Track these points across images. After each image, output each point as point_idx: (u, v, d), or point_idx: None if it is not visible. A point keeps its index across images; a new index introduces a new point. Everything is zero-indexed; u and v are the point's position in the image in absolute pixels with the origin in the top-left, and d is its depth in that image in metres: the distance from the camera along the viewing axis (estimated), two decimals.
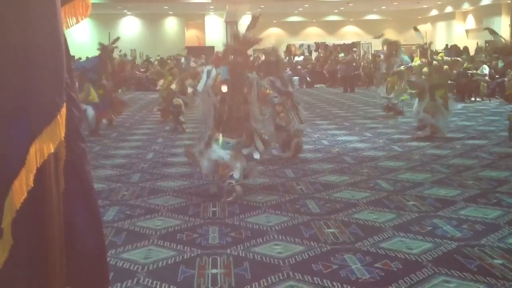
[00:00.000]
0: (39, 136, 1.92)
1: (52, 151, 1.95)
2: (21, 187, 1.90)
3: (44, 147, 1.91)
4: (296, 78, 24.09)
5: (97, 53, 10.44)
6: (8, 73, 1.90)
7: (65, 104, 1.98)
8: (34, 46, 1.90)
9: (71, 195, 2.10)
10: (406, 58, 13.39)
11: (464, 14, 28.97)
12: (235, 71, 5.56)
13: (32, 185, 1.92)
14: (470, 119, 11.64)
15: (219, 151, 5.48)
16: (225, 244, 4.22)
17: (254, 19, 5.70)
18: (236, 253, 4.01)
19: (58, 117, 1.94)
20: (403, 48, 14.00)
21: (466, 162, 7.14)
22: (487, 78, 16.38)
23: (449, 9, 28.71)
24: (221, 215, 5.01)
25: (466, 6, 27.49)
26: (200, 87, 5.61)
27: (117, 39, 11.00)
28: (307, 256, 3.92)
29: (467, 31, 29.29)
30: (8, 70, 1.90)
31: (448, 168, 6.81)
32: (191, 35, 30.85)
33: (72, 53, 2.60)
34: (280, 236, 4.36)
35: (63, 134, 1.96)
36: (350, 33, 33.44)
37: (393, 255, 3.91)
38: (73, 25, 2.17)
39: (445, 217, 4.78)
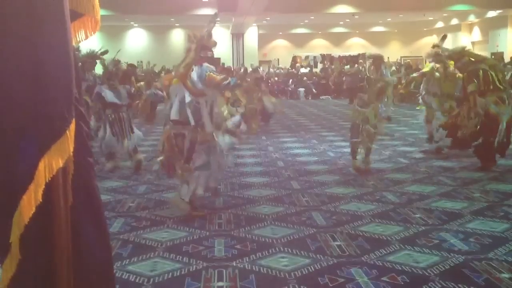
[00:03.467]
0: (48, 151, 1.93)
1: (61, 166, 1.96)
2: (30, 202, 1.91)
3: (53, 162, 1.93)
4: (301, 89, 24.28)
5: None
6: (18, 89, 1.92)
7: (74, 119, 2.00)
8: (44, 63, 1.92)
9: (79, 209, 2.11)
10: (388, 73, 13.60)
11: (470, 26, 29.01)
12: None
13: (41, 200, 1.92)
14: None
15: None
16: (231, 257, 4.21)
17: (214, 17, 5.60)
18: (242, 266, 4.00)
19: (67, 132, 1.96)
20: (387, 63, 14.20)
21: (473, 174, 7.11)
22: None
23: (454, 21, 28.73)
24: (227, 227, 5.00)
25: (472, 18, 27.51)
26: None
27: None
28: (313, 269, 3.91)
29: (473, 43, 29.28)
30: (19, 86, 1.92)
31: (454, 180, 6.79)
32: None
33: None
34: (286, 249, 4.35)
35: (72, 149, 1.97)
36: (355, 45, 33.51)
37: (400, 268, 3.89)
38: (82, 40, 2.19)
39: (452, 230, 4.76)
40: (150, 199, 6.08)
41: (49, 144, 1.94)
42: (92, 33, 2.17)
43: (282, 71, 27.60)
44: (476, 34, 28.73)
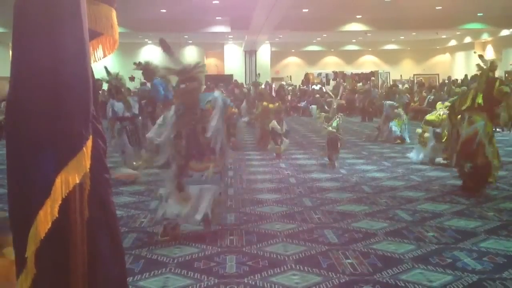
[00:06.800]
0: (65, 167, 1.96)
1: (78, 182, 1.99)
2: (46, 217, 1.93)
3: (69, 178, 1.96)
4: (314, 106, 24.22)
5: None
6: (37, 107, 1.96)
7: (91, 136, 2.03)
8: (63, 82, 1.96)
9: (95, 225, 2.13)
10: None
11: (483, 45, 28.92)
12: (192, 97, 5.30)
13: (57, 215, 1.95)
14: None
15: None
16: (242, 273, 4.21)
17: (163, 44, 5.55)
18: (253, 283, 3.99)
19: (84, 148, 1.99)
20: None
21: (487, 193, 7.05)
22: None
23: (468, 39, 28.69)
24: (238, 243, 5.00)
25: (485, 37, 27.45)
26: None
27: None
28: (325, 287, 3.89)
29: None
30: (38, 104, 1.96)
31: (468, 199, 6.73)
32: (210, 63, 31.24)
33: None
34: (297, 266, 4.33)
35: (88, 165, 2.00)
36: (368, 63, 33.59)
37: (413, 287, 3.86)
38: (100, 59, 2.23)
39: (465, 249, 4.72)
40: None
41: (66, 160, 1.97)
42: (110, 51, 2.21)
43: (294, 87, 27.67)
44: (490, 52, 28.61)
